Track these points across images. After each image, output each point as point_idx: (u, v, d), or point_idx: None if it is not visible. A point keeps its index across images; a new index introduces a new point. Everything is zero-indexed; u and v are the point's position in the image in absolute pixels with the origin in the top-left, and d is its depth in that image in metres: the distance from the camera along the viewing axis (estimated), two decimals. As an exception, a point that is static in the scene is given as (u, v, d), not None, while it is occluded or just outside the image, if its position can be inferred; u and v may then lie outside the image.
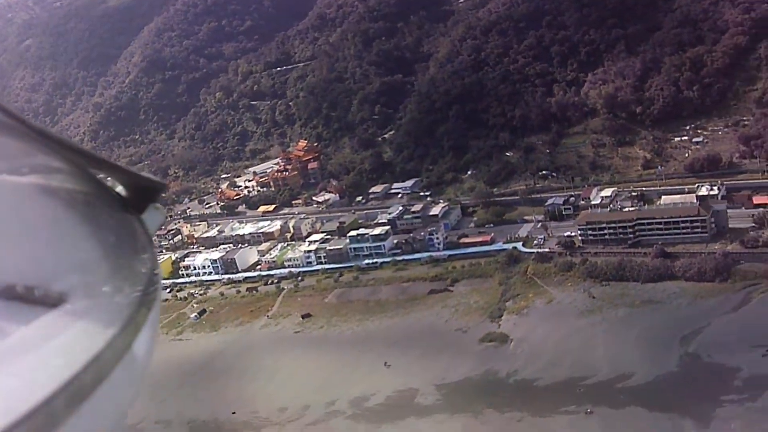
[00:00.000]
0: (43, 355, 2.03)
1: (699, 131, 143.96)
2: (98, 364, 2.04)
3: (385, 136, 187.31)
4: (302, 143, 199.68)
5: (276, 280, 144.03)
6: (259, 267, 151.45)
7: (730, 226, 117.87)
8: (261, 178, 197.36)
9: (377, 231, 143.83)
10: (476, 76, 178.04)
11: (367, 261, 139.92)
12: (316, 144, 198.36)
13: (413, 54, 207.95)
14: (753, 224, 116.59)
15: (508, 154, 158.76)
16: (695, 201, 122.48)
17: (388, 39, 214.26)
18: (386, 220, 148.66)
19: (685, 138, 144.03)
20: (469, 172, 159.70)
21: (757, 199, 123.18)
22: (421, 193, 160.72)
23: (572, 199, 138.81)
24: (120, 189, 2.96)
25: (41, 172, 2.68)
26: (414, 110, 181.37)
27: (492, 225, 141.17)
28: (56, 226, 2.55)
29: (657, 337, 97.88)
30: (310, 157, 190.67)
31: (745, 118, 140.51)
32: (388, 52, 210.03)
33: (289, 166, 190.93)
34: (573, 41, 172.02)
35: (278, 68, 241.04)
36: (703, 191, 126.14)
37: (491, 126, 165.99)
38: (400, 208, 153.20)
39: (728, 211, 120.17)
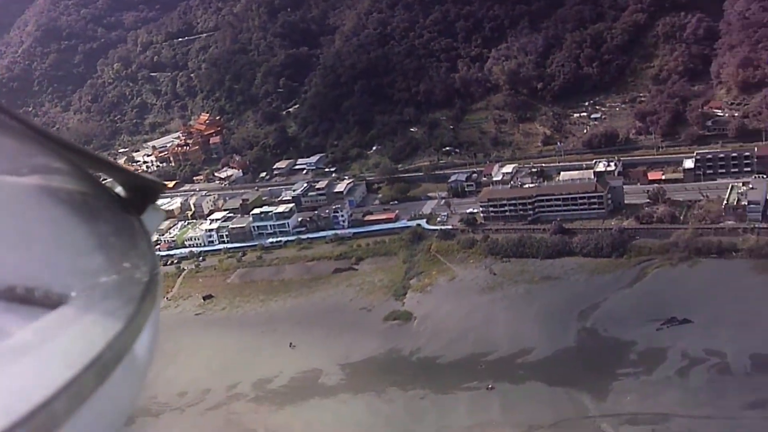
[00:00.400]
0: (43, 356, 2.04)
1: (598, 107, 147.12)
2: (99, 364, 2.05)
3: (290, 110, 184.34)
4: (204, 117, 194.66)
5: (176, 261, 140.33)
6: (158, 247, 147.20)
7: (626, 201, 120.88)
8: (160, 153, 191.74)
9: (281, 209, 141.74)
10: (382, 50, 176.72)
11: (270, 240, 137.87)
12: (218, 117, 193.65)
13: (319, 26, 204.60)
14: (648, 200, 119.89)
15: (412, 129, 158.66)
16: (593, 177, 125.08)
17: (294, 10, 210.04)
18: (290, 198, 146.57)
19: (584, 114, 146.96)
20: (374, 148, 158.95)
21: (652, 175, 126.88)
22: (326, 169, 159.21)
23: (475, 175, 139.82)
24: (119, 189, 2.96)
25: (41, 173, 2.69)
26: (319, 84, 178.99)
27: (397, 202, 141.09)
28: (56, 226, 2.57)
29: (556, 313, 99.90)
30: (212, 131, 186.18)
31: (641, 95, 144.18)
32: (294, 23, 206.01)
33: (190, 141, 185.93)
34: (478, 17, 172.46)
35: (180, 39, 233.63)
36: (601, 167, 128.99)
37: (396, 101, 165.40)
38: (305, 184, 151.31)
39: (624, 187, 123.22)
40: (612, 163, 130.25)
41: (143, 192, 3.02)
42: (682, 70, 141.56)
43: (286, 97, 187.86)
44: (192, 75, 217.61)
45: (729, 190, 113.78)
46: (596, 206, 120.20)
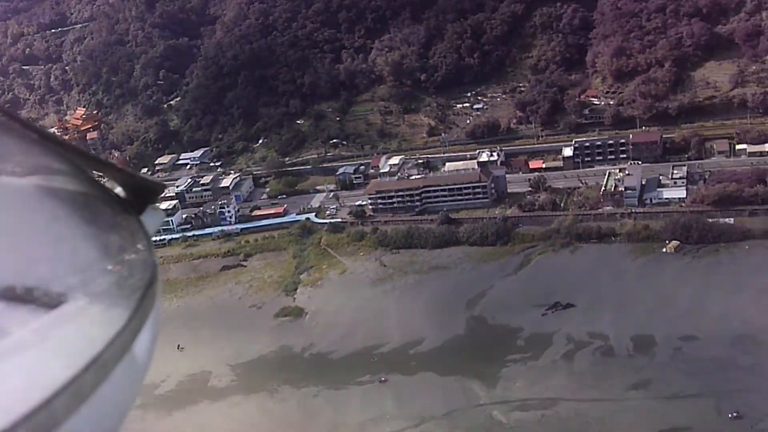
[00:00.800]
0: (43, 355, 2.06)
1: (480, 98, 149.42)
2: (99, 364, 2.07)
3: (171, 103, 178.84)
4: (80, 111, 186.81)
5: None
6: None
7: (509, 190, 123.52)
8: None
9: (164, 205, 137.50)
10: (265, 41, 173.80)
11: (153, 238, 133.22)
12: (95, 112, 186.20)
13: (199, 16, 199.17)
14: (530, 188, 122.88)
15: (298, 122, 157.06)
16: (477, 167, 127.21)
17: (172, 0, 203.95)
18: (174, 194, 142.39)
19: (467, 105, 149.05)
20: (260, 141, 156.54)
21: (533, 164, 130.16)
22: (211, 164, 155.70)
23: (362, 167, 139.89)
24: (118, 190, 2.99)
25: (40, 173, 2.71)
26: (201, 76, 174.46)
27: (285, 196, 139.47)
28: (55, 227, 2.58)
29: (445, 302, 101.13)
30: (90, 126, 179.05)
31: (521, 85, 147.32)
32: (173, 13, 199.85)
33: (66, 136, 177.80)
34: (360, 7, 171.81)
35: (53, 30, 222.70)
36: (484, 157, 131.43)
37: (281, 93, 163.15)
38: (189, 180, 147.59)
39: (507, 176, 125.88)
40: (495, 153, 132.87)
41: (142, 192, 3.03)
42: (559, 59, 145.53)
43: (167, 90, 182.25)
44: (67, 68, 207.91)
45: (607, 177, 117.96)
46: (481, 196, 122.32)
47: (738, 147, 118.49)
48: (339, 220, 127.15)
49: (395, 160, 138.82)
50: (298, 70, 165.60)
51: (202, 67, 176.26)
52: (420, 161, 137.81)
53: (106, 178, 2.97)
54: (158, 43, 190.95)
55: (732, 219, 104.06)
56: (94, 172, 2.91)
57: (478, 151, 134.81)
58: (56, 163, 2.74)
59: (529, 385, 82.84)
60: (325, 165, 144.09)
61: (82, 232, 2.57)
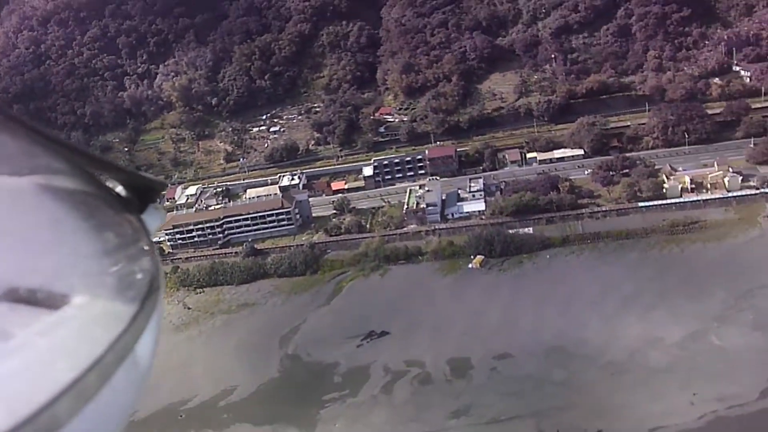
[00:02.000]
0: (46, 357, 2.07)
1: (276, 120, 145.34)
2: (101, 366, 2.08)
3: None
4: None
5: None
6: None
7: (314, 214, 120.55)
8: None
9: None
10: (38, 71, 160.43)
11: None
12: None
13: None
14: (334, 210, 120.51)
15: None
16: (279, 192, 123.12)
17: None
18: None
19: (264, 128, 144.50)
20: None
21: (335, 185, 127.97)
22: None
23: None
24: (120, 189, 2.95)
25: (41, 173, 2.71)
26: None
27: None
28: (57, 227, 2.58)
29: (257, 343, 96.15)
30: None
31: (316, 105, 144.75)
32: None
33: None
34: (140, 31, 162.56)
35: None
36: (285, 182, 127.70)
37: (61, 125, 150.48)
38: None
39: (311, 199, 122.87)
40: (296, 177, 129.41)
41: (144, 191, 2.99)
42: (350, 78, 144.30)
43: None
44: None
45: (408, 194, 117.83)
46: (285, 223, 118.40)
47: (529, 156, 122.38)
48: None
49: (192, 190, 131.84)
50: (77, 100, 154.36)
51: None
52: (219, 190, 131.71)
53: (107, 177, 2.89)
54: None
55: (531, 228, 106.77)
56: (95, 171, 2.84)
57: (279, 175, 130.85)
58: (57, 162, 2.69)
59: (349, 425, 79.73)
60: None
61: (83, 232, 2.54)
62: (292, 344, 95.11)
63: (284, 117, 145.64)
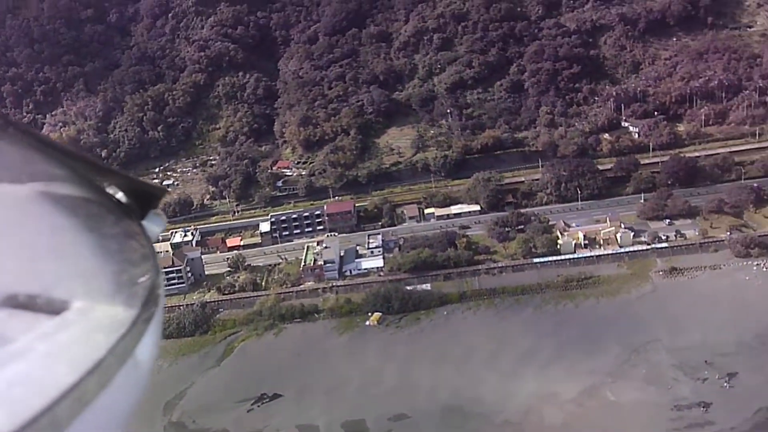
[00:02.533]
0: (46, 361, 2.08)
1: (169, 173, 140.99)
2: (101, 369, 2.09)
3: None
4: None
5: None
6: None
7: (207, 272, 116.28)
8: None
9: None
10: None
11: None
12: None
13: None
14: (229, 268, 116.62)
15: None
16: (170, 250, 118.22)
17: None
18: None
19: (157, 180, 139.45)
20: None
21: (231, 242, 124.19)
22: None
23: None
24: (120, 195, 2.94)
25: (42, 180, 2.71)
26: None
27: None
28: (57, 233, 2.58)
29: (138, 411, 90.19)
30: None
31: (211, 158, 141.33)
32: None
33: None
34: (27, 79, 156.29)
35: None
36: (177, 238, 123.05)
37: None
38: None
39: (204, 256, 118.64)
40: (189, 233, 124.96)
41: (144, 197, 2.98)
42: (247, 130, 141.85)
43: None
44: None
45: (306, 251, 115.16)
46: (176, 281, 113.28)
47: (426, 211, 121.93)
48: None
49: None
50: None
51: None
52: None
53: (107, 184, 2.87)
54: None
55: (429, 285, 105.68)
56: (95, 177, 2.84)
57: (171, 231, 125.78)
58: (57, 168, 2.70)
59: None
60: None
61: (83, 238, 2.54)
62: (177, 410, 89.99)
63: (178, 170, 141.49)
